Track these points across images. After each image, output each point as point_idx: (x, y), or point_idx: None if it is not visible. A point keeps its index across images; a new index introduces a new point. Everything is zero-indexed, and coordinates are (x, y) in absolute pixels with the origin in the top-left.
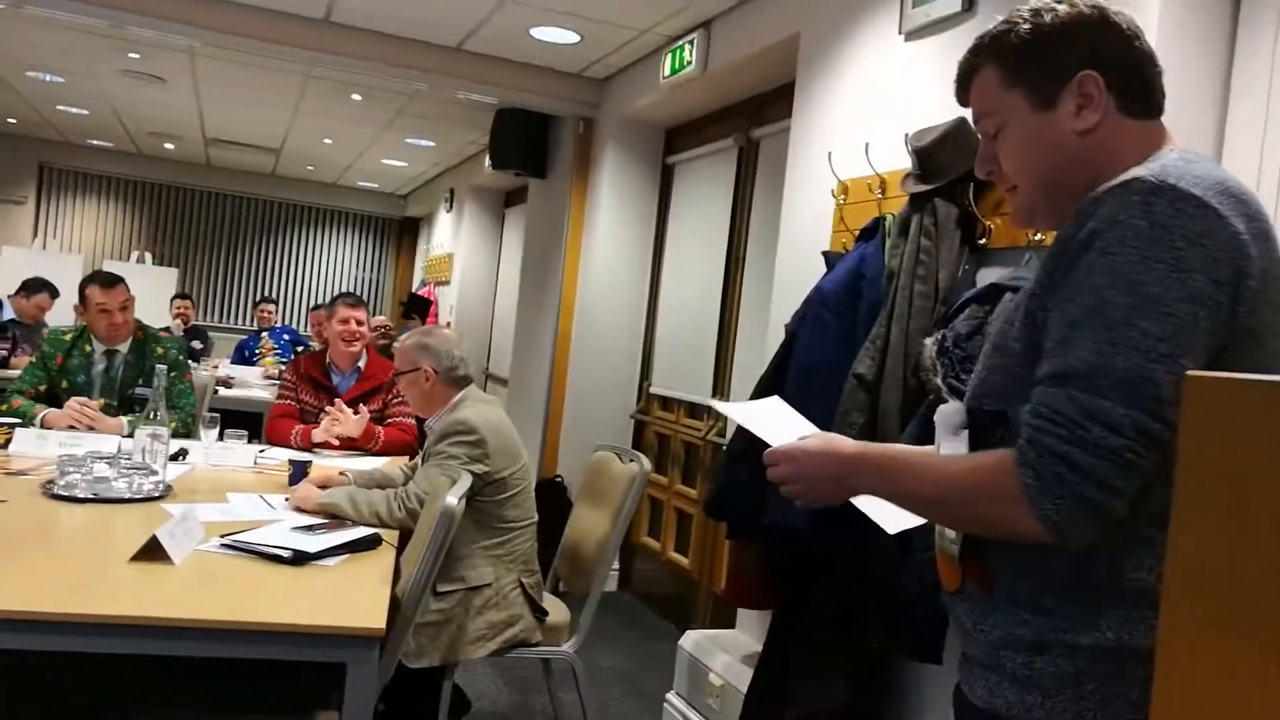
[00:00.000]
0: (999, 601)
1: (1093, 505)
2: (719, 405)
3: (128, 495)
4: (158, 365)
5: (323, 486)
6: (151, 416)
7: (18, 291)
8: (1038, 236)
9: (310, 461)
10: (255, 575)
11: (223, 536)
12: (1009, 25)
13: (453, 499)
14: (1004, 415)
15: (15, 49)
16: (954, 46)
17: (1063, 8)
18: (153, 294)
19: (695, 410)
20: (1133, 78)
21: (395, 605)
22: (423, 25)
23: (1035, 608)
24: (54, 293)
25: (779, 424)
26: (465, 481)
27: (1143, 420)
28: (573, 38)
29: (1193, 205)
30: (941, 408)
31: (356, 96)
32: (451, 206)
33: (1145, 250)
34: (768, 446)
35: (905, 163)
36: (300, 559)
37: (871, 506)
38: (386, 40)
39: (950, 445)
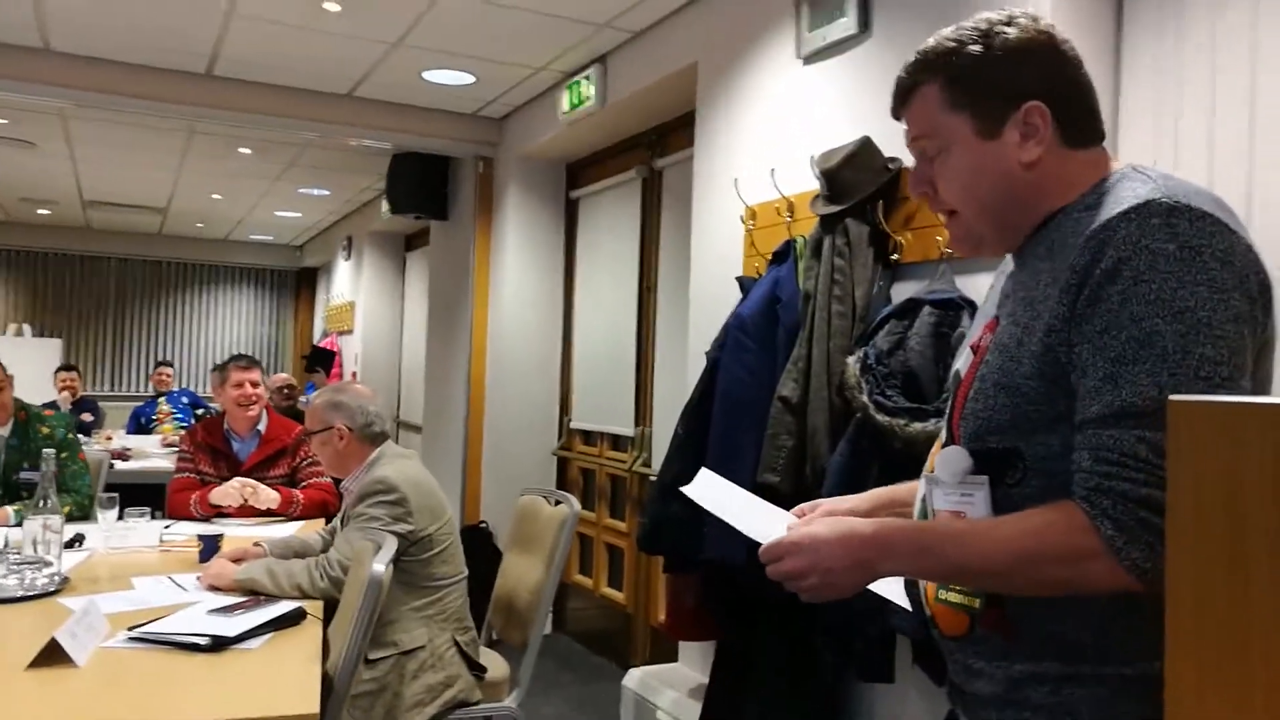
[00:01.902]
0: (1021, 640)
1: None
2: (687, 490)
3: (19, 593)
4: (44, 450)
5: (237, 560)
6: (41, 504)
7: None
8: (949, 249)
9: (221, 535)
10: (170, 669)
11: (130, 629)
12: (957, 43)
13: (379, 565)
14: (1017, 452)
15: None
16: (853, 68)
17: (1013, 31)
18: (36, 368)
19: (619, 442)
20: (1077, 109)
21: (327, 683)
22: (311, 75)
23: (1065, 645)
24: None
25: (752, 512)
26: (390, 545)
27: None
28: (467, 79)
29: (1210, 223)
30: (942, 452)
31: (245, 150)
32: (350, 254)
33: (1182, 274)
34: (694, 472)
35: (812, 185)
36: (219, 644)
37: (885, 585)
38: (274, 91)
39: (958, 494)
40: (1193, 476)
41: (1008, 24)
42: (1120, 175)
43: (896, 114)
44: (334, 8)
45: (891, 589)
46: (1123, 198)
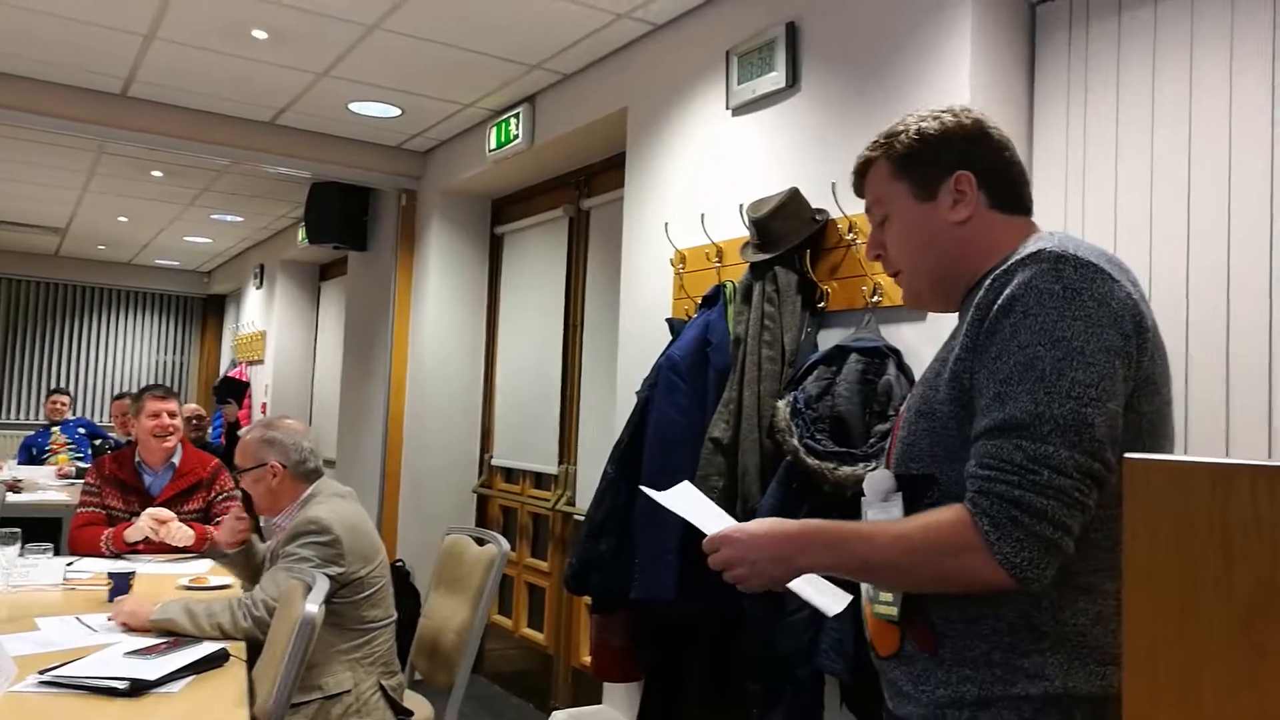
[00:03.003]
0: (942, 661)
1: (1049, 544)
2: (650, 492)
3: None
4: None
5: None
6: None
7: None
8: (875, 298)
9: (133, 572)
10: (87, 714)
11: (41, 672)
12: (902, 129)
13: (312, 606)
14: (933, 478)
15: None
16: (780, 120)
17: (947, 116)
18: None
19: (541, 480)
20: (1001, 178)
21: None
22: (233, 100)
23: (980, 663)
24: None
25: (706, 512)
26: (322, 585)
27: (1085, 461)
28: (393, 111)
29: (1092, 270)
30: (869, 475)
31: (157, 173)
32: (262, 282)
33: (1063, 310)
34: (629, 513)
35: (741, 231)
36: (139, 688)
37: (810, 589)
38: (192, 115)
39: (881, 511)
40: (1147, 526)
41: (945, 111)
42: (1035, 237)
43: (858, 189)
44: (261, 35)
45: (817, 593)
46: (1026, 249)
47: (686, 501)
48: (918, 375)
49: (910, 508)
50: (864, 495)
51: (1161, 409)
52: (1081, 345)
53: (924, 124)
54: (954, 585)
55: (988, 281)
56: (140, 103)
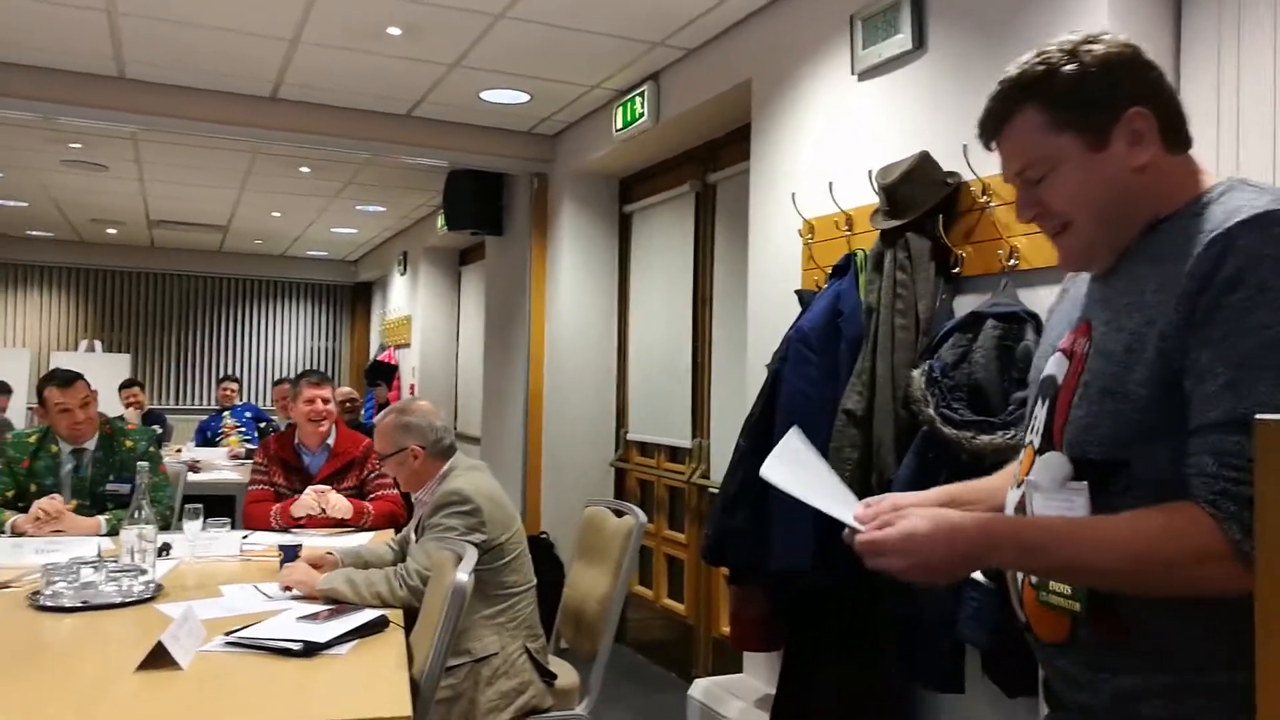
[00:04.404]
0: (1128, 650)
1: None
2: (764, 473)
3: (118, 599)
4: (138, 463)
5: (316, 567)
6: (136, 515)
7: None
8: (1011, 262)
9: (300, 545)
10: (268, 672)
11: (227, 634)
12: (1047, 66)
13: (463, 575)
14: (1123, 465)
15: None
16: (908, 83)
17: (1098, 46)
18: (109, 382)
19: (676, 454)
20: (1171, 112)
21: (414, 688)
22: (372, 96)
23: (1176, 654)
24: (4, 389)
25: (822, 485)
26: (472, 555)
27: None
28: (522, 97)
29: None
30: (1042, 458)
31: (305, 169)
32: (406, 269)
33: None
34: (762, 488)
35: (870, 198)
36: (311, 650)
37: None
38: (335, 113)
39: (1058, 500)
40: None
41: (1092, 42)
42: (1228, 186)
43: (989, 142)
44: (395, 32)
45: None
46: (1239, 207)
47: (794, 463)
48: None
49: (1095, 496)
50: (1031, 479)
51: None
52: None
53: (1076, 58)
54: (1179, 592)
55: (1197, 248)
56: (288, 104)
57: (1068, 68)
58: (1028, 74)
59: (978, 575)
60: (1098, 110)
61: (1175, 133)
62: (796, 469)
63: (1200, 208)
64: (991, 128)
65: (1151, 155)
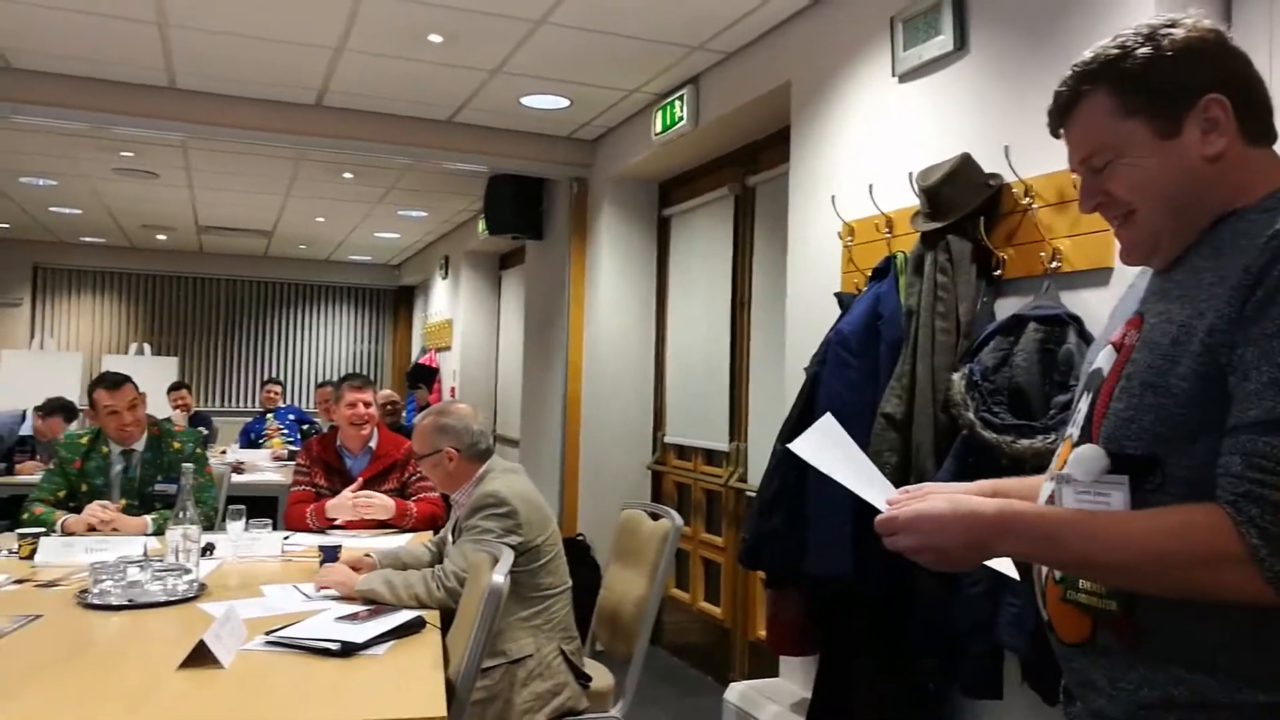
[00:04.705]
0: (1146, 656)
1: None
2: (793, 447)
3: (163, 598)
4: (184, 464)
5: (354, 568)
6: (181, 515)
7: (38, 408)
8: (1054, 264)
9: (340, 546)
10: (307, 671)
11: (267, 633)
12: (1122, 50)
13: (499, 577)
14: (1157, 461)
15: (7, 158)
16: (949, 84)
17: (1179, 31)
18: (155, 385)
19: (714, 457)
20: (1255, 102)
21: (449, 689)
22: (414, 103)
23: (1197, 665)
24: (70, 415)
25: (855, 468)
26: (508, 556)
27: None
28: (563, 103)
29: None
30: (1078, 450)
31: (348, 175)
32: (447, 273)
33: None
34: (800, 489)
35: (910, 200)
36: (349, 650)
37: (1000, 561)
38: (378, 119)
39: (1093, 494)
40: None
41: (1172, 25)
42: None
43: (1056, 128)
44: (437, 39)
45: (1005, 562)
46: None
47: (827, 445)
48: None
49: (1131, 489)
50: (1063, 473)
51: None
52: None
53: (1153, 41)
54: (1195, 594)
55: (1258, 242)
56: (332, 111)
57: (1141, 50)
58: (1100, 57)
59: (1009, 570)
60: (1170, 96)
61: (1257, 123)
62: (830, 450)
63: (1275, 203)
64: (1059, 113)
65: (1227, 145)
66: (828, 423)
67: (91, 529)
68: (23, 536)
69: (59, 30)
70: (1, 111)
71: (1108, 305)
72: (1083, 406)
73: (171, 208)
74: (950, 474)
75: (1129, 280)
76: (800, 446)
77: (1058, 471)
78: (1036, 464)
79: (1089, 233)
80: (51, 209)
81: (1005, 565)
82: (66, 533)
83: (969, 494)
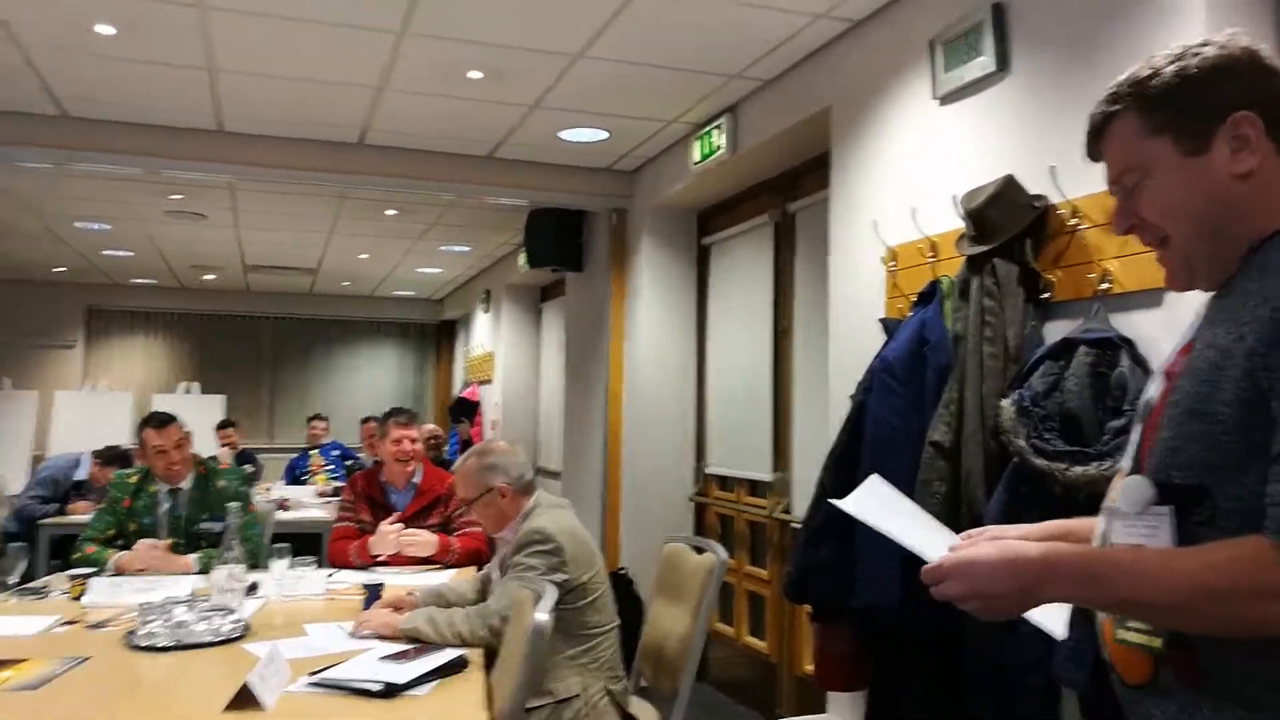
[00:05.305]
0: (1209, 696)
1: None
2: (843, 505)
3: (209, 639)
4: (229, 504)
5: (396, 609)
6: (227, 554)
7: (95, 454)
8: (1104, 285)
9: (382, 584)
10: (350, 713)
11: (310, 674)
12: (1151, 71)
13: (542, 615)
14: (1204, 490)
15: (63, 204)
16: (991, 106)
17: (1210, 50)
18: (206, 423)
19: (757, 488)
20: None
21: None
22: (454, 139)
23: (1254, 704)
24: (126, 465)
25: (912, 520)
26: (551, 594)
27: None
28: (601, 135)
29: None
30: (1124, 481)
31: (391, 212)
32: (489, 306)
33: None
34: (848, 519)
35: (954, 224)
36: (392, 691)
37: (1042, 614)
38: (420, 156)
39: (1141, 528)
40: None
41: (1204, 45)
42: None
43: (1092, 152)
44: (477, 75)
45: (1049, 616)
46: None
47: (878, 504)
48: (1154, 366)
49: (1179, 521)
50: (1112, 505)
51: None
52: None
53: (1181, 61)
54: (1240, 630)
55: None
56: (375, 149)
57: (1168, 69)
58: (1130, 78)
59: (1053, 625)
60: (1197, 113)
61: None
62: (884, 508)
63: None
64: (1093, 136)
65: (1259, 163)
66: (876, 483)
67: (141, 570)
68: (74, 578)
69: (113, 79)
70: (59, 159)
71: (1160, 327)
72: (1134, 437)
73: (219, 248)
74: (1001, 503)
75: (1181, 302)
76: (851, 506)
77: (1107, 505)
78: (1090, 491)
79: (1139, 253)
80: (105, 252)
81: (1049, 618)
82: (118, 571)
83: (1030, 536)
